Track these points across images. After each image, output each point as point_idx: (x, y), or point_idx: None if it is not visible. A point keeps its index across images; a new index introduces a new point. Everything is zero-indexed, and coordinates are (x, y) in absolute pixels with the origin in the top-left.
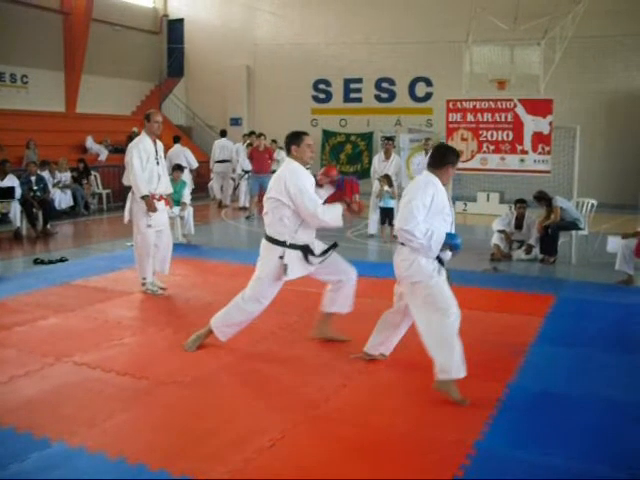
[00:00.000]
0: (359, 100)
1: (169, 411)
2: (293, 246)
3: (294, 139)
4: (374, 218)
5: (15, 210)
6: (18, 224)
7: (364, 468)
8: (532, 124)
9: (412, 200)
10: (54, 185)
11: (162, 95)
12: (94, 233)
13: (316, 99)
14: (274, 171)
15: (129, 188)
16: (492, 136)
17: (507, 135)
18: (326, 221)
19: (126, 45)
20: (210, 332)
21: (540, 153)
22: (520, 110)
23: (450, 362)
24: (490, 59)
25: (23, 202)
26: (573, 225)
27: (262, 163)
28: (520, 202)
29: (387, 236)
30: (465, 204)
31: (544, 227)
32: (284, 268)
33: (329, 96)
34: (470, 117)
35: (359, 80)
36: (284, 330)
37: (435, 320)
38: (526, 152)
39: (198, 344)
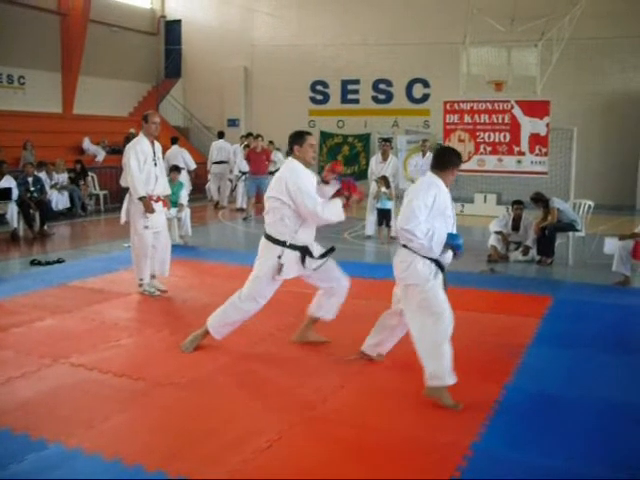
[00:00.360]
0: (356, 101)
1: (166, 412)
2: (293, 246)
3: (297, 139)
4: (371, 219)
5: (12, 211)
6: (15, 225)
7: (361, 469)
8: (529, 125)
9: (414, 200)
10: (51, 186)
11: (159, 96)
12: (91, 234)
13: (313, 100)
14: (271, 172)
15: (126, 189)
16: (489, 137)
17: (504, 136)
18: (327, 218)
19: (123, 46)
20: (207, 332)
21: (537, 154)
22: (517, 111)
23: (442, 368)
24: (487, 61)
25: (20, 203)
26: (570, 226)
27: (259, 164)
28: (517, 203)
29: (384, 237)
30: (462, 205)
31: (541, 228)
32: (279, 267)
33: (326, 97)
34: (467, 118)
35: (356, 81)
36: (281, 331)
37: (429, 324)
38: (523, 153)
39: (195, 345)
